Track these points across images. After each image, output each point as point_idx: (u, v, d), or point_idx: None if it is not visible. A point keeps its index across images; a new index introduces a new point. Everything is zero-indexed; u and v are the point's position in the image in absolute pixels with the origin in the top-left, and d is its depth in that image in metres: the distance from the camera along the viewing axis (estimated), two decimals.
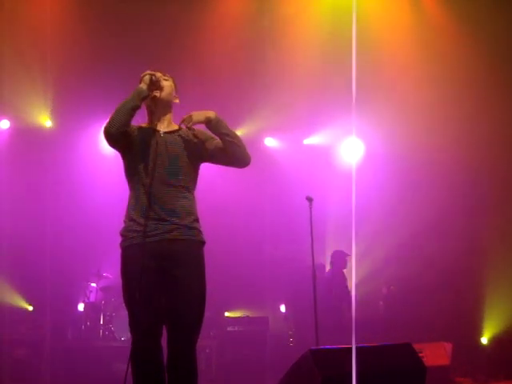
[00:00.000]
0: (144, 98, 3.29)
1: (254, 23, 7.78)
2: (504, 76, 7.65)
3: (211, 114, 3.36)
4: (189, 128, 3.35)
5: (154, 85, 3.32)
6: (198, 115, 3.34)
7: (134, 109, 3.25)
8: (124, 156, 3.40)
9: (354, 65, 2.89)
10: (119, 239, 3.38)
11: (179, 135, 3.42)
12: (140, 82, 3.33)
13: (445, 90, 7.78)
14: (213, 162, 3.51)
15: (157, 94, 3.35)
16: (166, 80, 3.44)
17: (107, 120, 3.25)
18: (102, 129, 3.28)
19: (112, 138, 3.25)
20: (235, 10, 7.80)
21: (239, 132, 8.62)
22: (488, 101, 7.71)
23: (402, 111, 7.98)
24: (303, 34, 7.84)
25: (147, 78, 3.31)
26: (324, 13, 7.69)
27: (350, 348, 2.52)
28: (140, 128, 3.40)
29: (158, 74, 3.37)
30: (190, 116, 3.33)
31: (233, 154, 3.40)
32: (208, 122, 3.36)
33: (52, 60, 7.49)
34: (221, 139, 3.39)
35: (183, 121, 3.35)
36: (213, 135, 3.43)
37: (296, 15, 7.79)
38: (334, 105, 7.84)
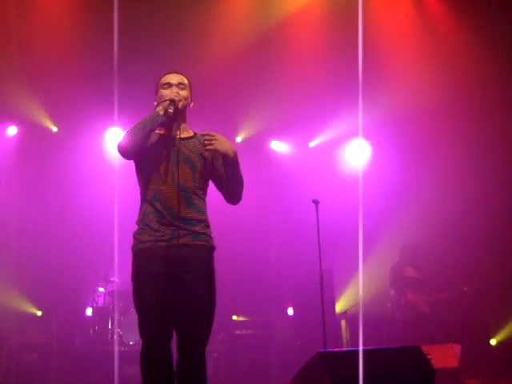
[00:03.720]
0: (161, 123, 3.35)
1: (257, 25, 7.79)
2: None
3: (233, 151, 3.35)
4: (204, 146, 3.35)
5: (172, 111, 3.35)
6: (222, 145, 3.32)
7: (151, 132, 3.33)
8: (138, 164, 3.44)
9: (360, 66, 2.90)
10: (128, 243, 3.40)
11: (194, 142, 3.45)
12: (157, 103, 3.40)
13: (453, 90, 7.77)
14: (216, 183, 3.54)
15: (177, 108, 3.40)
16: (182, 89, 3.46)
17: (123, 138, 3.28)
18: (117, 146, 3.30)
19: (127, 156, 3.32)
20: (238, 12, 7.80)
21: (244, 135, 8.75)
22: (497, 99, 7.69)
23: (409, 112, 7.97)
24: (308, 35, 7.84)
25: (166, 104, 3.35)
26: (329, 13, 7.68)
27: (358, 351, 2.52)
28: (156, 136, 3.43)
29: (178, 97, 3.39)
30: (215, 139, 3.31)
31: (228, 192, 3.50)
32: (225, 157, 3.36)
33: (56, 65, 7.52)
34: (227, 174, 3.43)
35: (205, 139, 3.33)
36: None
37: (300, 17, 7.78)
38: (339, 106, 7.85)
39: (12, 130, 8.24)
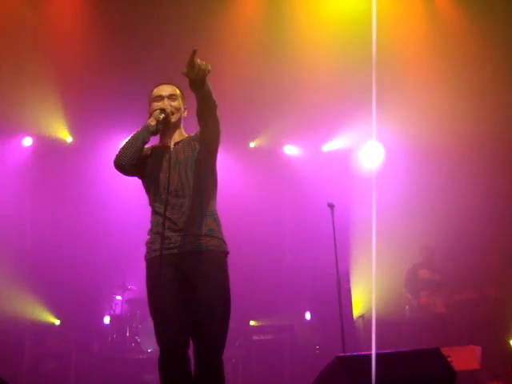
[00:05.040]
0: (153, 134, 3.37)
1: (269, 31, 7.79)
2: None
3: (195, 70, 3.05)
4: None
5: (163, 120, 3.38)
6: (206, 65, 3.07)
7: (144, 144, 3.35)
8: (141, 178, 3.50)
9: (374, 69, 2.87)
10: (143, 251, 3.42)
11: (184, 142, 3.45)
12: (149, 115, 3.42)
13: (466, 92, 7.72)
14: (210, 139, 3.41)
15: (169, 120, 3.42)
16: (173, 100, 3.48)
17: (117, 153, 3.33)
18: (113, 161, 3.34)
19: (123, 169, 3.34)
20: (249, 17, 7.81)
21: (258, 140, 8.76)
22: (509, 101, 7.63)
23: (422, 114, 7.93)
24: (321, 39, 7.83)
25: (157, 114, 3.38)
26: (342, 18, 7.67)
27: (379, 354, 2.50)
28: (153, 149, 3.50)
29: (168, 107, 3.41)
30: (201, 65, 3.05)
31: (209, 107, 3.28)
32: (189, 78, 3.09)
33: (71, 76, 7.59)
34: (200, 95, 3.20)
35: (197, 67, 3.04)
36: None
37: (313, 21, 7.78)
38: (351, 110, 7.83)
39: (27, 141, 8.31)
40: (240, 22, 7.75)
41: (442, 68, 7.79)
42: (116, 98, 7.70)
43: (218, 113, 3.32)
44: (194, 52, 3.00)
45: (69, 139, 8.40)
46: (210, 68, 3.07)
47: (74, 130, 8.34)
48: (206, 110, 3.28)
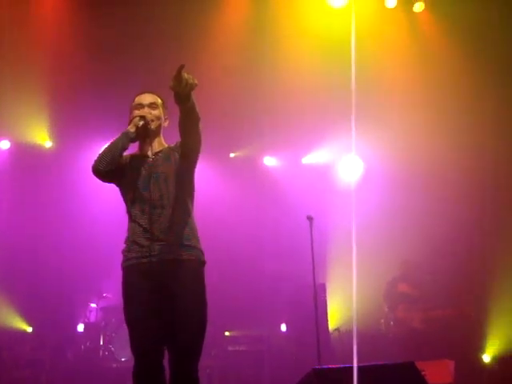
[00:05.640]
0: (132, 141, 3.37)
1: (251, 43, 7.84)
2: (506, 90, 7.72)
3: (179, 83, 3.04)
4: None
5: (143, 127, 3.38)
6: (193, 79, 3.06)
7: (123, 150, 3.35)
8: (119, 185, 3.48)
9: (353, 82, 2.91)
10: (120, 259, 3.39)
11: (164, 151, 3.45)
12: (130, 122, 3.41)
13: (445, 107, 7.84)
14: (190, 152, 3.41)
15: (149, 127, 3.40)
16: (154, 109, 3.47)
17: (96, 158, 3.32)
18: (91, 167, 3.33)
19: (100, 175, 3.33)
20: (231, 25, 7.85)
21: (238, 151, 8.77)
22: (490, 114, 7.76)
23: (401, 128, 8.02)
24: (301, 53, 7.90)
25: (136, 120, 3.38)
26: (323, 33, 7.74)
27: (353, 367, 2.51)
28: (131, 157, 3.48)
29: (148, 115, 3.40)
30: (189, 79, 3.04)
31: (184, 130, 3.30)
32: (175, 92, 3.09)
33: (52, 79, 7.53)
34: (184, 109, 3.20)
35: (184, 82, 3.03)
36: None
37: (294, 34, 7.84)
38: (331, 123, 7.88)
39: (5, 144, 8.22)
40: (221, 35, 7.78)
41: (423, 83, 7.90)
42: (97, 103, 7.66)
43: (201, 125, 3.32)
44: (182, 66, 3.01)
45: (48, 144, 8.33)
46: (196, 82, 3.08)
47: (53, 134, 8.27)
48: (189, 123, 3.28)
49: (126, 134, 3.35)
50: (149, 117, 3.42)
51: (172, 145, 3.49)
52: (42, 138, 8.25)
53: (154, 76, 7.23)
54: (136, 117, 3.40)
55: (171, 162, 3.39)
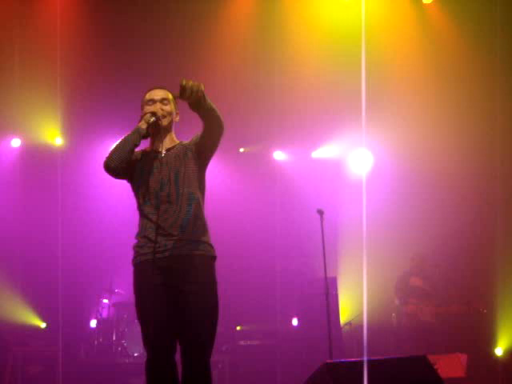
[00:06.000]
0: (144, 137, 3.36)
1: (260, 37, 7.83)
2: None
3: (195, 92, 3.04)
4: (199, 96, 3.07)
5: (154, 124, 3.37)
6: (198, 86, 3.05)
7: (134, 147, 3.34)
8: (129, 181, 3.47)
9: (363, 76, 2.91)
10: (131, 255, 3.41)
11: (177, 148, 3.43)
12: (141, 118, 3.39)
13: (457, 99, 7.79)
14: (206, 152, 3.42)
15: (160, 123, 3.39)
16: (165, 105, 3.46)
17: (107, 155, 3.33)
18: (103, 164, 3.34)
19: (112, 172, 3.34)
20: (240, 21, 7.85)
21: (247, 146, 8.76)
22: (503, 109, 7.71)
23: (411, 122, 7.98)
24: (310, 46, 7.88)
25: (148, 117, 3.36)
26: (332, 26, 7.72)
27: (365, 361, 2.51)
28: (143, 153, 3.47)
29: (160, 110, 3.39)
30: (194, 87, 3.03)
31: (214, 126, 3.30)
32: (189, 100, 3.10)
33: (63, 77, 7.56)
34: (203, 117, 3.23)
35: (188, 91, 3.04)
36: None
37: (304, 29, 7.82)
38: (342, 117, 7.86)
39: (16, 142, 8.26)
40: (230, 29, 7.78)
41: (432, 76, 7.86)
42: (108, 101, 7.69)
43: (223, 126, 3.31)
44: (182, 80, 3.03)
45: (58, 141, 8.35)
46: (202, 88, 3.07)
47: (64, 131, 8.29)
48: (208, 127, 3.29)
49: (137, 131, 3.34)
50: (160, 113, 3.41)
51: (185, 141, 3.48)
52: (53, 135, 8.27)
53: (166, 72, 7.28)
54: (147, 113, 3.39)
55: (183, 158, 3.38)
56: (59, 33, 7.41)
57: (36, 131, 8.11)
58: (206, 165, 3.47)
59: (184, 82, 3.02)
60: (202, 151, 3.40)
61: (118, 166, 3.30)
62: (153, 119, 3.36)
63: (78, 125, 8.02)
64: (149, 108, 3.43)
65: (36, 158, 8.18)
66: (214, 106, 3.20)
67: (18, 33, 7.46)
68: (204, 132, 3.34)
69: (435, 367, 3.77)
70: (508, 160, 7.88)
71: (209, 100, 3.16)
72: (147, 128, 3.36)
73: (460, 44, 7.69)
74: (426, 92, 7.92)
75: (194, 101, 3.07)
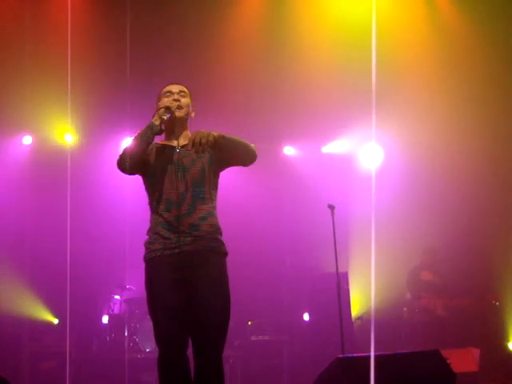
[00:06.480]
0: (157, 134, 3.33)
1: (269, 31, 7.82)
2: None
3: (212, 136, 3.18)
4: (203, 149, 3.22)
5: (168, 120, 3.34)
6: (207, 136, 3.17)
7: (147, 145, 3.31)
8: (143, 176, 3.46)
9: (373, 71, 2.88)
10: (142, 251, 3.41)
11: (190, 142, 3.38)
12: (155, 113, 3.35)
13: (468, 94, 7.74)
14: (229, 165, 3.51)
15: (175, 114, 3.38)
16: (183, 97, 3.46)
17: (121, 153, 3.31)
18: (116, 161, 3.33)
19: (125, 171, 3.33)
20: (249, 16, 7.84)
21: (257, 141, 8.75)
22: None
23: (422, 117, 7.94)
24: (320, 41, 7.85)
25: (161, 112, 3.33)
26: (341, 20, 7.69)
27: (378, 356, 2.50)
28: (157, 147, 3.44)
29: (175, 105, 3.38)
30: (202, 139, 3.16)
31: (240, 159, 3.44)
32: (214, 145, 3.23)
33: (74, 73, 7.56)
34: (228, 151, 3.33)
35: (198, 146, 3.16)
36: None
37: (314, 24, 7.80)
38: (352, 111, 7.83)
39: (27, 140, 8.29)
40: (240, 25, 7.77)
41: (443, 71, 7.81)
42: (119, 96, 7.69)
43: (255, 151, 3.39)
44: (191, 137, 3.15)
45: (70, 138, 8.37)
46: (211, 138, 3.15)
47: (74, 128, 8.31)
48: (242, 159, 3.41)
49: (150, 128, 3.29)
50: (174, 105, 3.37)
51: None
52: (64, 132, 8.29)
53: (177, 69, 7.28)
54: (161, 108, 3.35)
55: (199, 157, 3.34)
56: (70, 29, 7.42)
57: (47, 128, 8.14)
58: (223, 169, 3.49)
59: (194, 139, 3.14)
60: (225, 164, 3.45)
61: (131, 165, 3.28)
62: (167, 116, 3.32)
63: (89, 122, 8.03)
64: (164, 101, 3.41)
65: (47, 155, 8.21)
66: (238, 141, 3.30)
67: (29, 29, 7.48)
68: (235, 158, 3.40)
69: (448, 361, 3.76)
70: None
71: (231, 137, 3.27)
72: (160, 124, 3.33)
73: (472, 39, 7.63)
74: (436, 87, 7.87)
75: (207, 148, 3.19)
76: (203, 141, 3.12)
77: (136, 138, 3.31)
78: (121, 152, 3.33)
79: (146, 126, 3.33)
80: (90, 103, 7.74)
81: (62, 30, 7.35)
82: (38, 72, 7.53)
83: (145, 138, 3.29)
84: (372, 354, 2.43)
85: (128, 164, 3.28)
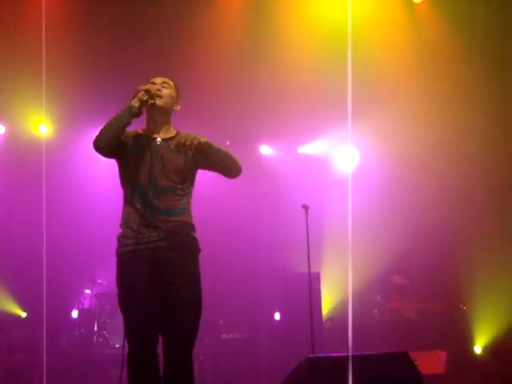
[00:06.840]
0: (135, 116, 3.25)
1: (248, 30, 7.83)
2: (501, 85, 7.72)
3: (197, 141, 3.17)
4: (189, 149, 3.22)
5: (148, 101, 3.28)
6: (192, 139, 3.17)
7: (125, 126, 3.25)
8: (119, 163, 3.39)
9: (349, 74, 2.91)
10: (114, 245, 3.38)
11: (175, 141, 3.34)
12: (134, 97, 3.29)
13: (442, 98, 7.84)
14: (209, 170, 3.50)
15: (154, 101, 3.33)
16: (166, 88, 3.42)
17: (97, 133, 3.23)
18: (93, 141, 3.24)
19: (101, 151, 3.24)
20: (229, 15, 7.84)
21: (233, 139, 8.75)
22: (485, 110, 7.76)
23: (397, 120, 8.01)
24: (298, 42, 7.89)
25: (141, 94, 3.27)
26: (320, 23, 7.73)
27: (347, 356, 2.53)
28: (137, 135, 3.38)
29: (155, 88, 3.34)
30: (183, 142, 3.16)
31: (224, 170, 3.45)
32: (198, 150, 3.21)
33: (48, 62, 7.47)
34: (211, 159, 3.32)
35: (182, 146, 3.17)
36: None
37: (291, 23, 7.83)
38: (328, 113, 7.88)
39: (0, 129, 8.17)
40: (219, 27, 7.78)
41: (421, 74, 7.90)
42: (95, 88, 7.62)
43: (238, 163, 3.43)
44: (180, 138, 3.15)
45: (44, 128, 8.25)
46: (195, 142, 3.15)
47: (49, 118, 8.20)
48: (226, 171, 3.43)
49: (128, 109, 3.23)
50: (154, 89, 3.32)
51: (184, 133, 3.37)
52: (39, 122, 8.17)
53: (154, 63, 7.24)
54: (140, 91, 3.28)
55: (178, 152, 3.28)
56: (44, 17, 7.32)
57: (21, 118, 8.02)
58: (203, 169, 3.47)
59: (182, 140, 3.14)
60: (204, 168, 3.43)
61: (108, 144, 3.20)
62: (146, 97, 3.26)
63: (64, 113, 7.94)
64: (144, 86, 3.35)
65: (20, 146, 8.09)
66: (224, 153, 3.31)
67: (1, 16, 7.36)
68: (217, 167, 3.39)
69: (416, 363, 3.81)
70: (495, 154, 7.93)
71: (218, 148, 3.28)
72: (140, 107, 3.26)
73: (450, 43, 7.73)
74: (412, 90, 7.96)
75: (193, 150, 3.17)
76: (187, 143, 3.11)
77: (113, 118, 3.24)
78: (97, 133, 3.25)
79: (124, 107, 3.26)
80: (65, 92, 7.64)
81: (36, 15, 7.27)
82: (11, 59, 7.42)
83: (122, 119, 3.22)
84: (350, 354, 2.45)
85: (104, 144, 3.20)
